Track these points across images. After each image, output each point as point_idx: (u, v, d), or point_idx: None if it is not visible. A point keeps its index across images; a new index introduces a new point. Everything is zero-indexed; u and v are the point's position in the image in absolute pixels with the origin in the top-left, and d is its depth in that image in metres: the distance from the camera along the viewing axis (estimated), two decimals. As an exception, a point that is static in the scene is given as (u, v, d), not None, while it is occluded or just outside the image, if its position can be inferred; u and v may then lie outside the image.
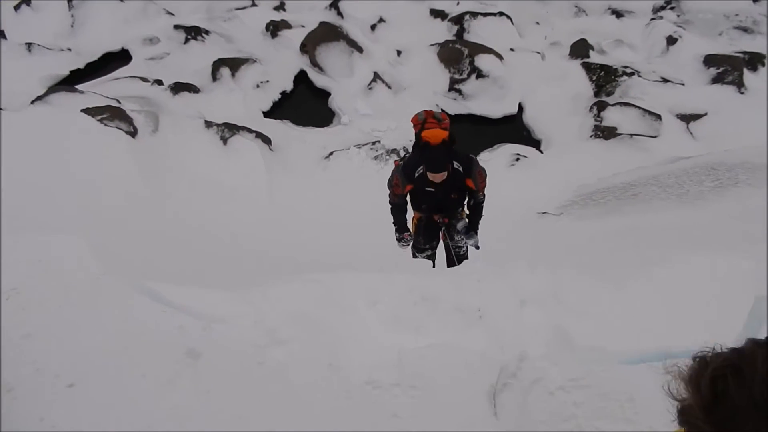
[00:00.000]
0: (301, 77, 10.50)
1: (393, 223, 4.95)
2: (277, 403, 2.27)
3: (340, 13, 11.03)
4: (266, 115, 9.96)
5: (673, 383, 1.05)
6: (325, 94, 10.27)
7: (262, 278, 3.09)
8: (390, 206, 4.90)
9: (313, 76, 10.45)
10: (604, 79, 10.08)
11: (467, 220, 4.94)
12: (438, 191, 4.53)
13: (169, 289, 2.74)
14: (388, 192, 4.81)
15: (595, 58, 10.49)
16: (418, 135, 4.53)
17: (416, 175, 4.48)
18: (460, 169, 4.46)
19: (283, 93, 10.26)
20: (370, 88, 10.15)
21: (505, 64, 10.30)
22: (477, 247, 4.89)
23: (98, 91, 9.30)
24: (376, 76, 10.19)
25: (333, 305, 2.74)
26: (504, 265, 3.29)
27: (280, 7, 11.21)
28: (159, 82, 9.92)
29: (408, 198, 4.83)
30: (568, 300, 2.85)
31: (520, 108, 10.15)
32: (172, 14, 11.10)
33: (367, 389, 2.32)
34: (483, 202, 4.80)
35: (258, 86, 10.18)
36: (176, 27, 10.75)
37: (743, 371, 0.97)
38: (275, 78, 10.30)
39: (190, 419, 2.22)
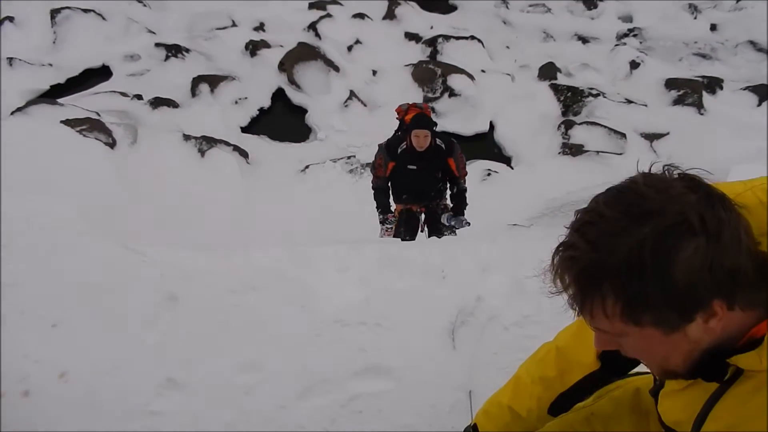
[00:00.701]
0: (279, 94, 10.76)
1: (376, 207, 5.14)
2: (251, 339, 2.46)
3: (318, 35, 11.36)
4: (244, 130, 10.17)
5: (547, 281, 1.09)
6: (302, 111, 10.53)
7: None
8: (373, 191, 5.09)
9: (291, 93, 10.71)
10: (571, 99, 10.48)
11: (451, 210, 5.12)
12: (420, 169, 4.72)
13: (151, 248, 2.92)
14: (371, 178, 5.02)
15: (562, 80, 10.90)
16: (401, 120, 4.78)
17: (399, 151, 4.69)
18: (443, 146, 4.70)
19: (260, 109, 10.49)
20: (346, 106, 10.44)
21: (477, 85, 10.66)
22: (468, 224, 5.05)
23: (78, 104, 9.46)
24: (352, 94, 10.49)
25: (306, 266, 2.93)
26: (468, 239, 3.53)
27: (260, 28, 11.51)
28: (139, 97, 10.09)
29: (390, 185, 5.02)
30: (526, 263, 3.06)
31: (492, 126, 10.48)
32: (154, 33, 11.34)
33: (336, 327, 2.52)
34: (466, 191, 5.01)
35: (236, 102, 10.42)
36: (157, 45, 10.98)
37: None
38: (253, 95, 10.55)
39: (170, 354, 2.40)
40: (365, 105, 10.59)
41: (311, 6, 11.83)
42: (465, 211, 5.08)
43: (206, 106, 10.22)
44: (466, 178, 5.03)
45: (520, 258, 2.98)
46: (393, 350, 2.42)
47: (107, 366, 2.32)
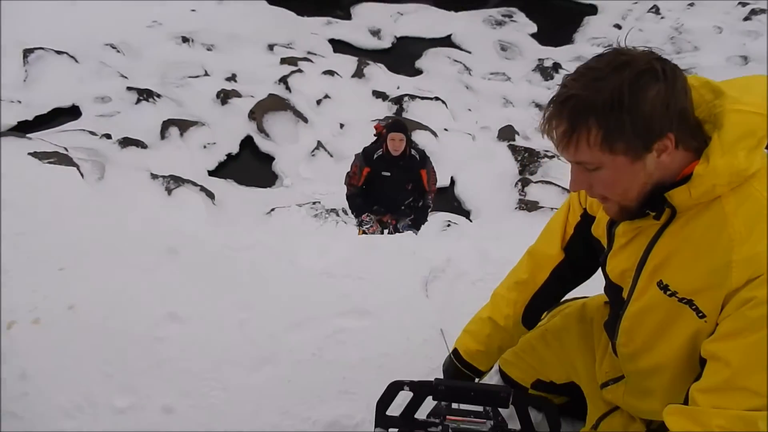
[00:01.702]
0: (247, 142, 11.01)
1: (352, 210, 5.34)
2: (244, 285, 2.65)
3: (288, 88, 11.74)
4: (211, 174, 10.34)
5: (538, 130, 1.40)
6: (269, 159, 10.78)
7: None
8: (347, 199, 5.30)
9: (259, 141, 10.98)
10: (528, 159, 11.01)
11: (410, 220, 5.37)
12: (393, 177, 4.96)
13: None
14: (347, 186, 5.24)
15: (520, 141, 11.45)
16: (379, 134, 5.06)
17: (375, 156, 4.95)
18: (417, 156, 4.98)
19: (228, 155, 10.70)
20: (313, 155, 10.73)
21: (440, 142, 11.11)
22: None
23: (46, 139, 9.53)
24: (320, 145, 10.81)
25: (292, 245, 3.13)
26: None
27: (232, 79, 11.87)
28: (108, 136, 10.21)
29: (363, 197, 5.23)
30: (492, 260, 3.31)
31: (452, 181, 10.88)
32: (126, 77, 11.57)
33: (323, 277, 2.72)
34: (430, 208, 5.28)
35: (205, 147, 10.61)
36: (129, 88, 11.20)
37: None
38: (222, 140, 10.78)
39: (171, 294, 2.55)
40: (332, 155, 10.90)
41: (283, 61, 12.28)
42: (422, 226, 5.36)
43: (175, 148, 10.38)
44: (433, 196, 5.31)
45: (484, 247, 3.23)
46: (374, 297, 2.62)
47: (113, 301, 2.48)
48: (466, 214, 10.34)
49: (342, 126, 11.42)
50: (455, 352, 2.07)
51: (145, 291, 2.53)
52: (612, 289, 1.68)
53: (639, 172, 1.34)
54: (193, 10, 13.36)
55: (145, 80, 11.60)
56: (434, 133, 11.14)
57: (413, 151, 5.04)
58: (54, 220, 2.75)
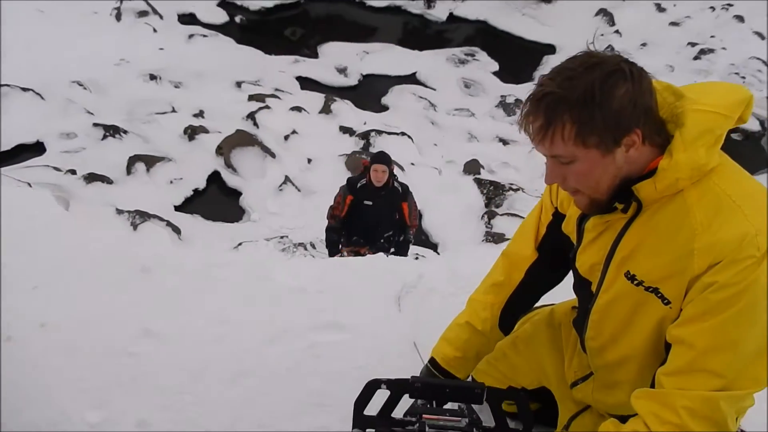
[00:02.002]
0: (215, 177, 11.00)
1: (327, 245, 5.39)
2: (220, 301, 2.67)
3: (256, 124, 11.82)
4: (177, 209, 10.29)
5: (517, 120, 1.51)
6: (236, 194, 10.78)
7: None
8: (326, 232, 5.35)
9: (226, 176, 10.98)
10: (494, 192, 11.20)
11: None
12: (375, 206, 5.04)
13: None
14: (328, 219, 5.30)
15: (485, 175, 11.65)
16: (365, 168, 5.17)
17: (358, 185, 5.03)
18: (399, 189, 5.08)
19: (195, 190, 10.68)
20: (281, 190, 10.77)
21: (407, 176, 11.23)
22: None
23: (9, 174, 9.42)
24: (287, 179, 10.85)
25: (265, 264, 3.17)
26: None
27: (199, 115, 11.90)
28: (72, 172, 10.14)
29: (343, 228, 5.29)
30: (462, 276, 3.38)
31: (420, 215, 10.99)
32: (92, 114, 11.53)
33: (296, 293, 2.75)
34: (410, 242, 5.35)
35: (171, 182, 10.58)
36: (95, 125, 11.16)
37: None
38: (189, 176, 10.76)
39: (145, 310, 2.56)
40: (299, 190, 10.95)
41: (251, 98, 12.38)
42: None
43: (141, 184, 10.34)
44: (414, 231, 5.39)
45: (454, 265, 3.31)
46: (348, 312, 2.67)
47: (86, 319, 2.48)
48: (434, 247, 10.44)
49: (309, 161, 11.51)
50: (432, 360, 2.10)
51: (118, 308, 2.54)
52: (581, 284, 1.76)
53: (609, 165, 1.43)
54: (161, 49, 13.44)
55: (112, 117, 11.57)
56: (401, 168, 11.28)
57: (396, 184, 5.15)
58: (26, 240, 2.74)
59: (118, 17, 13.80)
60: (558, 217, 1.88)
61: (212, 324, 2.53)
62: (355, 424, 1.73)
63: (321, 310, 2.65)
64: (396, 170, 10.98)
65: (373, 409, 1.72)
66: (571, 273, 1.90)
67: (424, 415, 1.70)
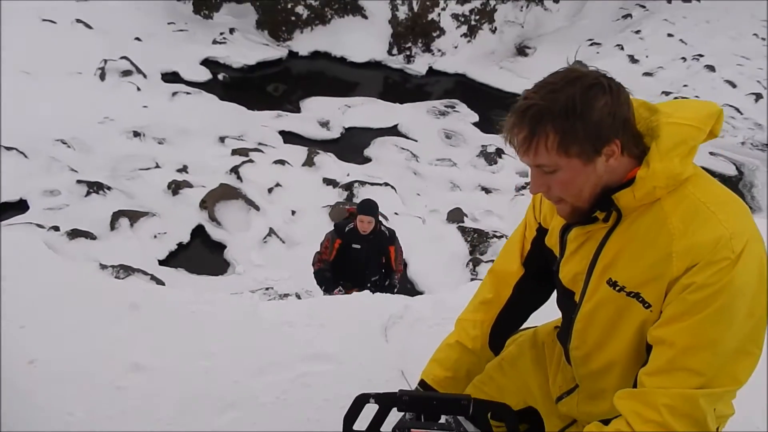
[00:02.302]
0: (199, 231, 11.00)
1: (320, 285, 5.38)
2: (207, 335, 2.68)
3: (239, 177, 11.90)
4: (162, 263, 10.25)
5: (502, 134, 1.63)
6: (221, 247, 10.77)
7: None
8: (315, 275, 5.36)
9: (211, 230, 10.99)
10: (478, 240, 11.29)
11: None
12: (363, 250, 5.07)
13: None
14: (314, 264, 5.31)
15: (469, 223, 11.76)
16: (351, 215, 5.22)
17: (346, 229, 5.08)
18: (387, 233, 5.13)
19: (179, 244, 10.65)
20: (265, 242, 10.79)
21: (390, 225, 11.30)
22: None
23: (-7, 231, 9.38)
24: (272, 231, 10.88)
25: (251, 301, 3.20)
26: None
27: (183, 170, 11.98)
28: (56, 228, 10.10)
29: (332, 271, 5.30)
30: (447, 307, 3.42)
31: (405, 264, 11.03)
32: (76, 171, 11.57)
33: (284, 327, 2.78)
34: (396, 287, 5.38)
35: (155, 237, 10.55)
36: (79, 181, 11.18)
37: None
38: (173, 230, 10.75)
39: (133, 346, 2.57)
40: (284, 242, 10.97)
41: (234, 152, 12.49)
42: None
43: (125, 239, 10.30)
44: (399, 276, 5.43)
45: (439, 297, 3.36)
46: (335, 343, 2.70)
47: (74, 354, 2.49)
48: (419, 294, 10.44)
49: (293, 213, 11.57)
50: (422, 383, 2.11)
51: (106, 343, 2.55)
52: (565, 295, 1.81)
53: (591, 174, 1.51)
54: (145, 107, 13.59)
55: (96, 173, 11.61)
56: (385, 217, 11.37)
57: (383, 228, 5.23)
58: (11, 281, 2.76)
59: (102, 77, 13.98)
60: (541, 232, 1.94)
61: (200, 357, 2.55)
62: (345, 440, 1.75)
63: (308, 342, 2.68)
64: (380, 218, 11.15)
65: (362, 424, 1.74)
66: (555, 292, 1.96)
67: (412, 429, 1.72)
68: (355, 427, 1.75)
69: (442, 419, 1.84)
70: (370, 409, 1.75)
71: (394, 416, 1.81)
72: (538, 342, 2.21)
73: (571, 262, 1.74)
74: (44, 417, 2.21)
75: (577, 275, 1.72)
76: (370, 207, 5.12)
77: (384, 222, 10.95)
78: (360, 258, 5.24)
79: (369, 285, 5.46)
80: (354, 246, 5.17)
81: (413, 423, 1.78)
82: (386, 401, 1.73)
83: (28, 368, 2.38)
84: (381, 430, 1.75)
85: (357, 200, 11.82)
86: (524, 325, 2.31)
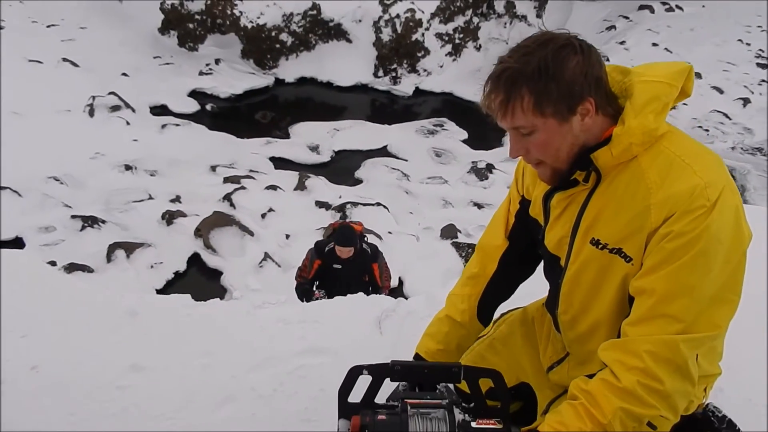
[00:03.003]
0: (195, 259, 11.03)
1: (300, 298, 5.32)
2: (204, 335, 2.75)
3: (232, 205, 11.97)
4: (159, 292, 10.25)
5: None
6: (217, 273, 10.80)
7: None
8: (296, 289, 5.28)
9: (206, 257, 11.02)
10: (472, 254, 11.34)
11: None
12: (345, 269, 4.98)
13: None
14: (296, 279, 5.26)
15: (462, 238, 11.82)
16: (333, 230, 5.13)
17: (326, 249, 4.99)
18: (368, 250, 5.04)
19: (176, 273, 10.68)
20: (261, 267, 10.82)
21: (385, 244, 11.35)
22: None
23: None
24: (267, 256, 10.92)
25: (247, 304, 3.26)
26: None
27: (176, 200, 12.04)
28: (52, 263, 10.12)
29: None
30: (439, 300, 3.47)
31: (401, 281, 11.06)
32: (70, 206, 11.61)
33: (279, 324, 2.84)
34: None
35: (152, 267, 10.59)
36: (73, 216, 11.22)
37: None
38: (169, 259, 10.79)
39: (132, 348, 2.63)
40: (279, 266, 11.00)
41: (226, 180, 12.57)
42: None
43: (121, 270, 10.33)
44: (387, 293, 5.35)
45: (432, 292, 3.42)
46: (330, 337, 2.75)
47: (75, 359, 2.55)
48: (417, 311, 10.47)
49: (288, 236, 11.61)
50: (416, 356, 2.16)
51: (106, 348, 2.60)
52: (551, 262, 1.88)
53: (567, 133, 1.57)
54: (135, 140, 13.67)
55: (90, 208, 11.65)
56: (379, 237, 11.42)
57: (365, 245, 5.12)
58: (13, 293, 2.81)
59: (91, 113, 14.09)
60: (525, 204, 2.00)
61: (198, 356, 2.60)
62: (341, 413, 1.79)
63: (303, 337, 2.74)
64: (374, 239, 11.19)
65: (356, 398, 1.79)
66: (542, 264, 2.02)
67: (405, 400, 1.77)
68: (349, 400, 1.80)
69: (437, 391, 1.89)
70: (365, 383, 1.80)
71: (389, 388, 1.87)
72: (527, 319, 2.26)
73: (556, 228, 1.80)
74: (47, 418, 2.26)
75: (561, 239, 1.78)
76: (346, 238, 4.94)
77: (378, 242, 11.08)
78: (342, 277, 5.14)
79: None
80: (335, 266, 5.09)
81: (407, 393, 1.83)
82: (379, 372, 1.78)
83: (31, 374, 2.44)
84: (375, 401, 1.80)
85: (350, 221, 11.89)
86: (515, 306, 2.37)
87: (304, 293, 5.45)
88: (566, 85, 1.51)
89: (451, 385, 2.11)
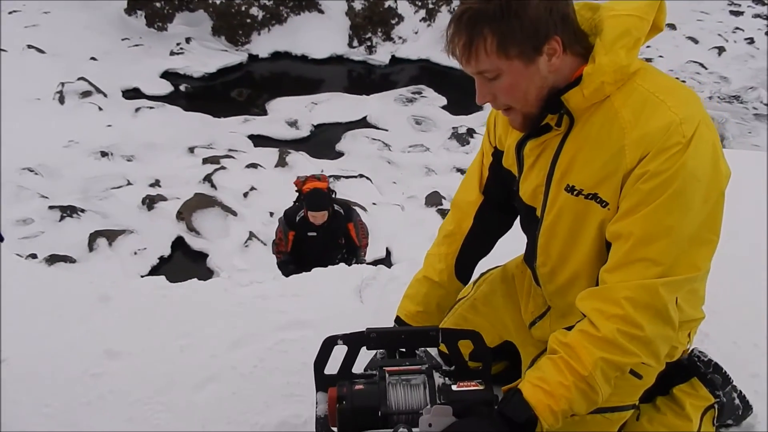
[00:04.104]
0: (179, 243, 10.93)
1: (283, 273, 5.18)
2: (183, 319, 2.67)
3: (213, 185, 11.84)
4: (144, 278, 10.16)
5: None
6: (203, 256, 10.71)
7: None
8: (279, 267, 5.14)
9: (190, 240, 10.92)
10: (457, 219, 11.32)
11: None
12: (320, 236, 4.83)
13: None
14: (276, 255, 5.10)
15: (447, 205, 11.78)
16: (299, 191, 4.94)
17: (297, 218, 4.81)
18: (341, 211, 4.87)
19: (161, 258, 10.59)
20: (247, 246, 10.74)
21: (370, 215, 11.30)
22: None
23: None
24: (252, 235, 10.84)
25: (223, 282, 3.18)
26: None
27: (156, 184, 11.90)
28: (33, 256, 10.00)
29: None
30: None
31: (388, 252, 11.03)
32: (47, 197, 11.43)
33: (257, 300, 2.76)
34: (365, 263, 5.16)
35: (135, 253, 10.49)
36: (51, 207, 11.06)
37: None
38: (152, 245, 10.69)
39: (106, 334, 2.55)
40: (265, 244, 10.90)
41: (205, 161, 12.42)
42: None
43: (104, 258, 10.23)
44: (367, 250, 5.27)
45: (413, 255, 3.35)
46: (310, 310, 2.68)
47: (46, 349, 2.47)
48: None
49: (272, 214, 11.51)
50: (397, 319, 2.12)
51: (78, 336, 2.52)
52: (527, 214, 1.80)
53: (534, 75, 1.49)
54: (109, 126, 13.45)
55: (67, 197, 11.48)
56: (364, 209, 11.35)
57: (336, 207, 4.98)
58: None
59: (62, 100, 13.81)
60: (498, 155, 1.92)
61: (175, 337, 2.53)
62: (318, 386, 1.74)
63: (283, 312, 2.67)
64: (359, 211, 11.12)
65: (333, 369, 1.73)
66: (519, 218, 1.96)
67: (384, 367, 1.71)
68: (327, 371, 1.74)
69: (417, 356, 1.84)
70: (343, 354, 1.74)
71: (368, 357, 1.81)
72: (507, 276, 2.21)
73: (530, 177, 1.72)
74: (19, 412, 2.18)
75: (536, 188, 1.71)
76: (317, 203, 4.75)
77: (363, 213, 11.00)
78: (318, 244, 5.00)
79: (337, 262, 5.28)
80: (310, 234, 4.93)
81: (385, 361, 1.78)
82: (354, 341, 1.72)
83: (0, 367, 2.35)
84: (353, 371, 1.74)
85: (334, 195, 11.80)
86: (494, 265, 2.32)
87: (286, 267, 5.29)
88: (530, 23, 1.42)
89: (434, 350, 2.06)
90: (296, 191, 5.19)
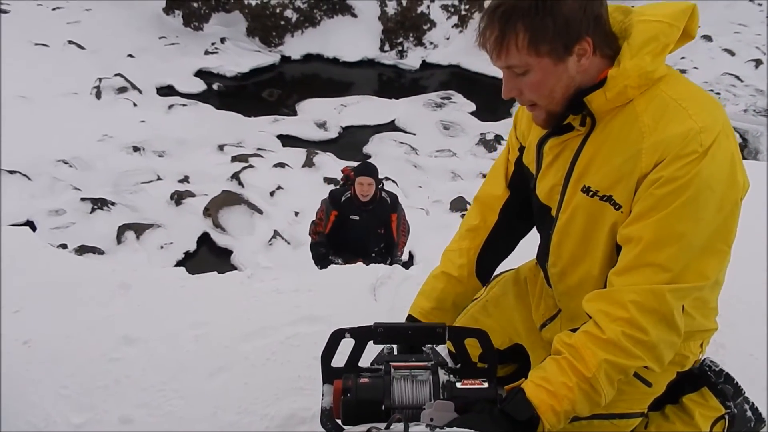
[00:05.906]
0: (204, 238, 11.06)
1: (314, 261, 5.08)
2: (198, 306, 2.73)
3: (241, 183, 11.97)
4: (170, 273, 10.30)
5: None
6: (227, 252, 10.82)
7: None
8: (311, 248, 5.03)
9: (216, 236, 11.04)
10: (482, 226, 11.28)
11: None
12: (363, 221, 4.72)
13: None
14: (311, 235, 4.97)
15: (472, 210, 11.77)
16: (347, 177, 4.84)
17: (343, 199, 4.73)
18: (388, 199, 4.78)
19: (186, 253, 10.71)
20: (271, 244, 10.82)
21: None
22: None
23: None
24: (276, 233, 10.92)
25: (241, 274, 3.24)
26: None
27: (185, 180, 12.06)
28: (63, 246, 10.20)
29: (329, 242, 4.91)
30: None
31: (411, 256, 11.03)
32: (79, 189, 11.66)
33: (273, 294, 2.82)
34: (400, 264, 5.06)
35: (162, 247, 10.63)
36: (83, 199, 11.28)
37: None
38: (179, 240, 10.82)
39: (125, 320, 2.62)
40: (289, 243, 11.00)
41: (234, 159, 12.56)
42: None
43: (132, 251, 10.39)
44: (402, 250, 5.11)
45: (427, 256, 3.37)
46: (324, 306, 2.73)
47: (66, 333, 2.55)
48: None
49: (297, 214, 11.60)
50: (409, 317, 2.08)
51: (98, 321, 2.60)
52: (542, 213, 1.79)
53: (562, 74, 1.49)
54: (142, 121, 13.68)
55: (99, 190, 11.70)
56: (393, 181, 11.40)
57: (384, 194, 4.88)
58: (6, 269, 2.82)
59: (98, 95, 14.10)
60: (522, 151, 1.91)
61: (191, 326, 2.59)
62: (325, 378, 1.76)
63: (297, 306, 2.72)
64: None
65: (341, 363, 1.75)
66: None
67: (390, 362, 1.73)
68: (334, 364, 1.77)
69: (424, 353, 1.85)
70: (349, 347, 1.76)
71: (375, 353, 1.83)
72: (520, 278, 2.20)
73: (548, 175, 1.72)
74: (38, 392, 2.26)
75: (553, 188, 1.71)
76: (369, 167, 4.67)
77: (385, 189, 10.99)
78: (360, 230, 4.86)
79: (374, 255, 5.10)
80: (352, 218, 4.79)
81: (392, 356, 1.80)
82: (362, 335, 1.75)
83: (23, 348, 2.44)
84: (360, 365, 1.76)
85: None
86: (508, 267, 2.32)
87: (320, 258, 5.12)
88: (563, 22, 1.42)
89: (443, 347, 2.07)
90: (343, 177, 5.07)
